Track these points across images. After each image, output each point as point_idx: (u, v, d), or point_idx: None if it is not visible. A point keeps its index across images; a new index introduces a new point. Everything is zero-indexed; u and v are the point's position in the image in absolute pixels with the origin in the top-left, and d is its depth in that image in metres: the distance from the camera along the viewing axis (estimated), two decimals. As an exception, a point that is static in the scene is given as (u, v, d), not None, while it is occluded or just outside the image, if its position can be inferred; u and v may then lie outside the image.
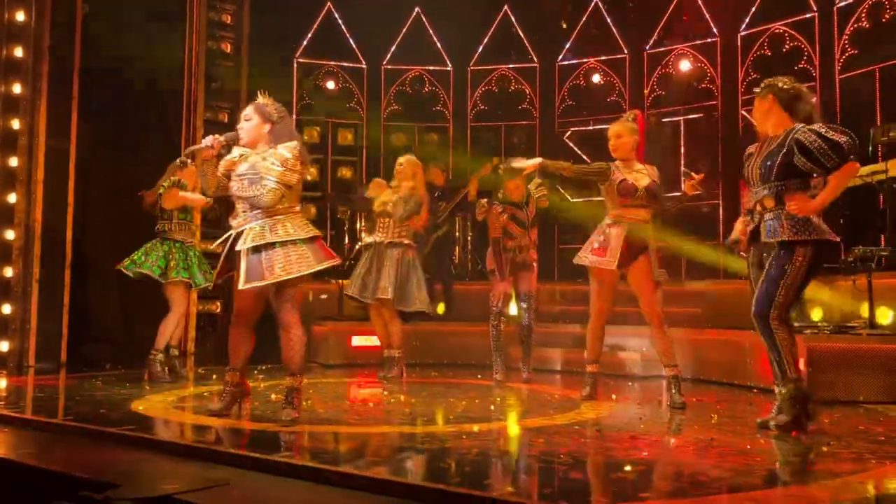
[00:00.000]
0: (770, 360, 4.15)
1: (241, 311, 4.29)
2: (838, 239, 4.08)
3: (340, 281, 8.41)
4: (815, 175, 4.06)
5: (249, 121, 4.24)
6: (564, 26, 10.05)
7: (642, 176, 5.16)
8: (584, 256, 5.18)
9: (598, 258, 5.08)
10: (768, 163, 4.06)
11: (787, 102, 4.09)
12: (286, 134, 4.24)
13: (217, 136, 4.29)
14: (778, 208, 4.03)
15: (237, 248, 4.14)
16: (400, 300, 6.39)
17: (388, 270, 6.38)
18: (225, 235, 4.29)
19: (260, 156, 4.18)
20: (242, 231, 4.14)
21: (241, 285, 4.10)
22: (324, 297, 8.66)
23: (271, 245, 4.06)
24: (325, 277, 8.69)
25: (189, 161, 6.30)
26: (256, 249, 4.07)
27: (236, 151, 4.28)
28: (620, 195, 5.12)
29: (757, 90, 4.23)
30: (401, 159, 6.70)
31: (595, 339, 5.31)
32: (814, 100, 4.27)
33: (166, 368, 6.19)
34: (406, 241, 6.52)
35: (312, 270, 4.11)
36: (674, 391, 5.01)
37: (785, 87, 4.12)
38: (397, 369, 6.46)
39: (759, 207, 4.15)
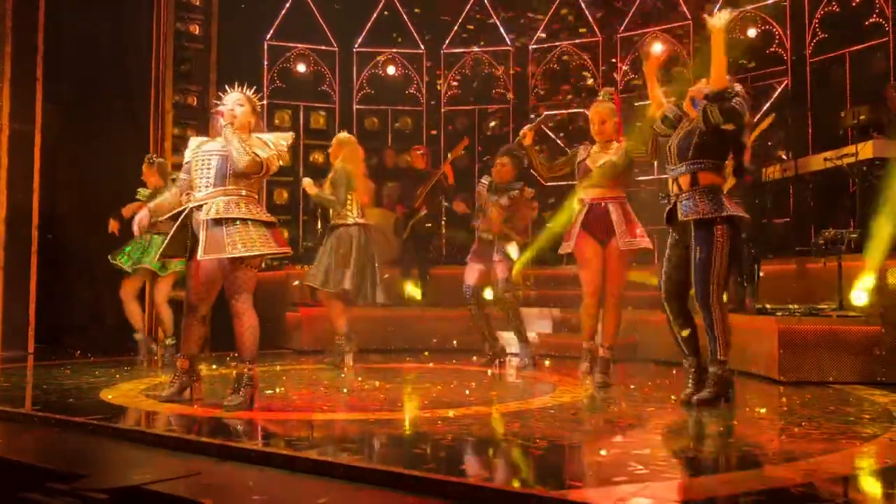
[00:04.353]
0: (674, 338, 4.45)
1: (192, 296, 4.30)
2: (748, 216, 4.36)
3: (306, 267, 8.34)
4: (727, 155, 4.32)
5: (243, 106, 4.31)
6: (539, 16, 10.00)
7: (604, 156, 5.19)
8: (563, 245, 5.38)
9: (565, 243, 5.34)
10: (686, 142, 4.27)
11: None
12: (259, 131, 4.37)
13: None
14: (693, 188, 4.25)
15: (201, 217, 4.15)
16: (358, 295, 6.17)
17: (351, 260, 6.13)
18: (181, 208, 4.32)
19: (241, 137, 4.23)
20: (202, 205, 4.16)
21: (199, 255, 4.11)
22: (296, 283, 8.58)
23: (233, 220, 4.11)
24: (300, 264, 8.63)
25: (156, 159, 6.47)
26: (217, 222, 4.11)
27: (193, 143, 4.38)
28: (579, 176, 5.30)
29: (704, 80, 4.40)
30: (334, 140, 6.55)
31: (587, 317, 5.34)
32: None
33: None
34: (360, 221, 6.26)
35: (272, 252, 4.19)
36: (598, 371, 5.17)
37: None
38: (340, 357, 6.25)
39: (675, 188, 4.35)
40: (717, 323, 4.21)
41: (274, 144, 4.23)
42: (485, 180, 6.56)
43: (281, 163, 4.33)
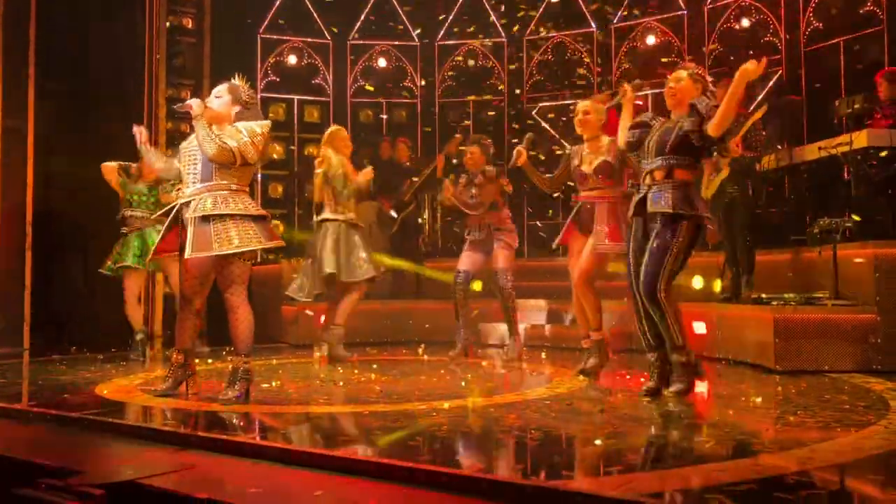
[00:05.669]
0: (641, 330, 4.43)
1: (186, 290, 4.29)
2: (713, 225, 4.49)
3: (310, 260, 8.30)
4: (703, 156, 4.41)
5: (220, 98, 4.25)
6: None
7: (597, 157, 5.20)
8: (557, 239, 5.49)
9: (558, 237, 5.44)
10: (665, 138, 4.29)
11: (699, 88, 4.34)
12: (255, 119, 4.26)
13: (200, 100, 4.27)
14: (666, 181, 4.25)
15: (186, 215, 4.11)
16: (344, 272, 6.23)
17: (347, 246, 6.24)
18: (171, 205, 4.30)
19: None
20: (190, 201, 4.12)
21: (186, 254, 4.07)
22: (295, 276, 8.55)
23: (221, 217, 4.05)
24: (295, 257, 8.60)
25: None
26: (205, 219, 4.05)
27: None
28: (577, 181, 5.33)
29: (682, 72, 4.45)
30: (340, 131, 6.54)
31: (575, 310, 5.41)
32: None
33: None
34: (353, 219, 6.37)
35: (262, 246, 4.15)
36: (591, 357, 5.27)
37: (699, 74, 4.42)
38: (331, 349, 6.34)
39: (648, 180, 4.35)
40: (666, 313, 4.21)
41: (248, 132, 4.11)
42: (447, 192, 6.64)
43: (274, 156, 4.30)
